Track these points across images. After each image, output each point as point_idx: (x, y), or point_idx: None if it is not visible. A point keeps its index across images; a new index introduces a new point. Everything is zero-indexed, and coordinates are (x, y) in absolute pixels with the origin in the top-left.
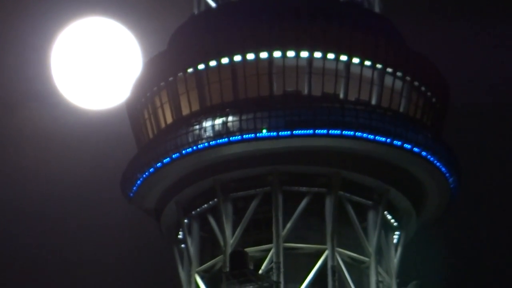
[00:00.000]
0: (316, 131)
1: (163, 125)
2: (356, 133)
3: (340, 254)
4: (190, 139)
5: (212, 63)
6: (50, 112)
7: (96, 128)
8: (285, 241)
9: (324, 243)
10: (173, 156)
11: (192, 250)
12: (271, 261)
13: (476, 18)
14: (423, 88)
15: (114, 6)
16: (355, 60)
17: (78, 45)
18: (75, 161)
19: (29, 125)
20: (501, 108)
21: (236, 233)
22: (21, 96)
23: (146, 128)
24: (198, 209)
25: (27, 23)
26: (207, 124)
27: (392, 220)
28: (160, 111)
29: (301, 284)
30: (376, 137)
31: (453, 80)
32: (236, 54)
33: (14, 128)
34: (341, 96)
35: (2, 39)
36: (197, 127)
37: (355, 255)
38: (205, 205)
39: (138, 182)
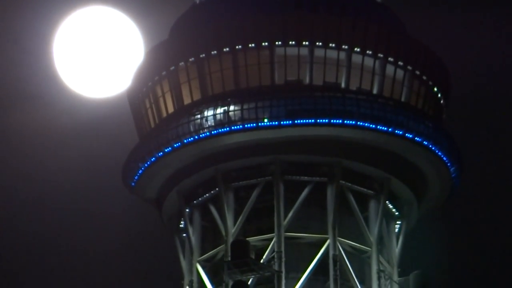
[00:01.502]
0: (318, 120)
1: (164, 114)
2: (358, 122)
3: (342, 243)
4: (192, 128)
5: (213, 52)
6: (52, 100)
7: (98, 116)
8: (287, 231)
9: (325, 232)
10: (175, 145)
11: (193, 239)
12: (272, 251)
13: (477, 6)
14: (424, 77)
15: None
16: (357, 50)
17: (80, 34)
18: (76, 150)
19: (31, 113)
20: (502, 97)
21: (238, 222)
22: (23, 85)
23: (148, 118)
24: (199, 199)
25: (29, 12)
26: (209, 113)
27: (394, 210)
28: (161, 101)
29: (302, 274)
30: (378, 126)
31: (454, 69)
32: (238, 44)
33: (16, 117)
34: (343, 85)
35: (4, 28)
36: (198, 116)
37: (356, 244)
38: (207, 195)
39: (140, 171)
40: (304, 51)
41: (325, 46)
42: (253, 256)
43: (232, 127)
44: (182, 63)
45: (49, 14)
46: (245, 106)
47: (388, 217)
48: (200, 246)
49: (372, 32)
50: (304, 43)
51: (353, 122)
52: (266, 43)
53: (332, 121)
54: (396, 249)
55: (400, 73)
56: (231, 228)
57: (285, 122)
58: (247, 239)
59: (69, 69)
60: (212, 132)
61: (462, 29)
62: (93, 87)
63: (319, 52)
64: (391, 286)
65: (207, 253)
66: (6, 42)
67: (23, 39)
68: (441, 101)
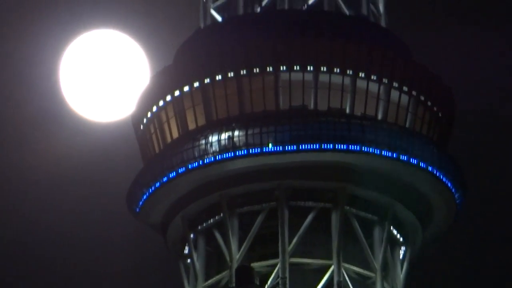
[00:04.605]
0: (322, 145)
1: (169, 139)
2: (362, 148)
3: (346, 269)
4: (196, 154)
5: (218, 77)
6: (58, 123)
7: (103, 140)
8: (291, 256)
9: (330, 258)
10: (179, 170)
11: (198, 265)
12: (277, 276)
13: (479, 28)
14: (429, 103)
15: (122, 19)
16: (361, 75)
17: (86, 57)
18: (81, 173)
19: (36, 136)
20: (505, 116)
21: (242, 248)
22: (29, 108)
23: (152, 143)
24: (204, 224)
25: (36, 36)
26: (213, 138)
27: (398, 236)
28: (166, 126)
29: None
30: (382, 152)
31: (459, 93)
32: (242, 69)
33: (21, 140)
34: (347, 110)
35: (10, 51)
36: (203, 141)
37: (361, 270)
38: (211, 220)
39: (144, 197)
40: (309, 76)
41: (330, 71)
42: (257, 282)
43: (237, 153)
44: (187, 88)
45: (55, 38)
46: (250, 132)
47: (393, 243)
48: (204, 272)
49: (376, 57)
50: (308, 68)
51: (358, 147)
52: (271, 68)
53: (336, 146)
54: (401, 275)
55: (405, 98)
56: (236, 254)
57: (289, 148)
58: (251, 265)
59: (75, 93)
60: (217, 157)
61: (467, 52)
62: (99, 110)
63: (323, 78)
64: None
65: (211, 279)
66: (12, 66)
67: (30, 62)
68: (446, 127)
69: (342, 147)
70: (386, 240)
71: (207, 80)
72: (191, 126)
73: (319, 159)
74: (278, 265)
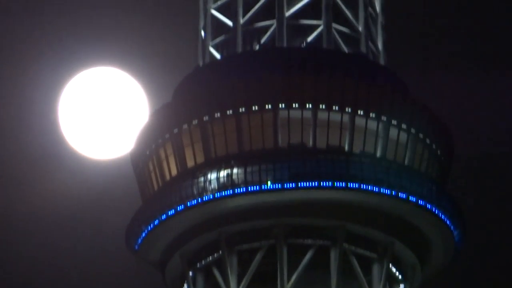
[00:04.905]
0: (321, 183)
1: (168, 177)
2: (361, 186)
3: None
4: (195, 191)
5: (217, 115)
6: (57, 161)
7: (102, 177)
8: None
9: None
10: (178, 208)
11: None
12: None
13: (478, 67)
14: (428, 141)
15: (121, 57)
16: (360, 112)
17: (85, 95)
18: (80, 211)
19: (35, 174)
20: (504, 158)
21: (241, 285)
22: (28, 146)
23: (151, 180)
24: (202, 262)
25: (34, 74)
26: (212, 176)
27: (397, 273)
28: (165, 163)
29: None
30: (381, 189)
31: (457, 131)
32: (241, 106)
33: (20, 178)
34: (346, 148)
35: (9, 90)
36: (202, 179)
37: None
38: (210, 258)
39: (143, 234)
40: (308, 114)
41: (329, 109)
42: None
43: (236, 190)
44: (186, 125)
45: (54, 75)
46: (249, 169)
47: (392, 280)
48: None
49: (375, 95)
50: (307, 106)
51: (357, 185)
52: (270, 106)
53: (335, 184)
54: None
55: (403, 136)
56: None
57: (288, 185)
58: None
59: (74, 130)
60: (216, 195)
61: (465, 90)
62: (98, 148)
63: (322, 115)
64: None
65: None
66: (11, 104)
67: (28, 100)
68: (445, 164)
69: (340, 185)
70: (385, 277)
71: (205, 118)
72: (190, 163)
73: (317, 196)
74: None
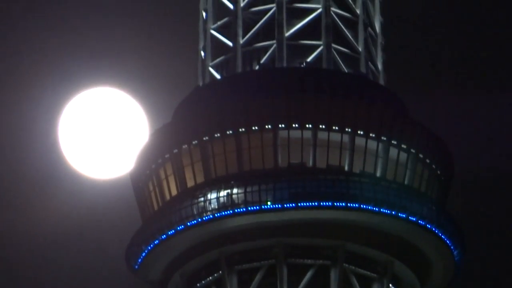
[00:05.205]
0: (321, 203)
1: (167, 197)
2: (361, 206)
3: None
4: (195, 211)
5: (217, 135)
6: (57, 181)
7: (102, 197)
8: None
9: None
10: (178, 228)
11: None
12: None
13: (478, 88)
14: (428, 160)
15: (121, 77)
16: (360, 132)
17: (85, 115)
18: (79, 230)
19: (35, 193)
20: (504, 178)
21: None
22: (28, 166)
23: (151, 200)
24: (202, 281)
25: (34, 94)
26: (212, 196)
27: None
28: (165, 183)
29: None
30: (381, 209)
31: (456, 150)
32: (241, 126)
33: (21, 197)
34: (346, 168)
35: (9, 110)
36: (202, 199)
37: None
38: (210, 277)
39: (143, 254)
40: (308, 134)
41: (329, 129)
42: None
43: (236, 210)
44: (185, 146)
45: (54, 96)
46: (249, 189)
47: None
48: None
49: (375, 115)
50: (307, 126)
51: (357, 205)
52: (270, 126)
53: (335, 204)
54: None
55: (403, 156)
56: None
57: (288, 205)
58: None
59: (74, 150)
60: (216, 215)
61: (465, 110)
62: (98, 168)
63: (322, 135)
64: None
65: None
66: (11, 124)
67: (28, 120)
68: (445, 184)
69: (340, 205)
70: None
71: (205, 138)
72: (190, 183)
73: (317, 216)
74: None
